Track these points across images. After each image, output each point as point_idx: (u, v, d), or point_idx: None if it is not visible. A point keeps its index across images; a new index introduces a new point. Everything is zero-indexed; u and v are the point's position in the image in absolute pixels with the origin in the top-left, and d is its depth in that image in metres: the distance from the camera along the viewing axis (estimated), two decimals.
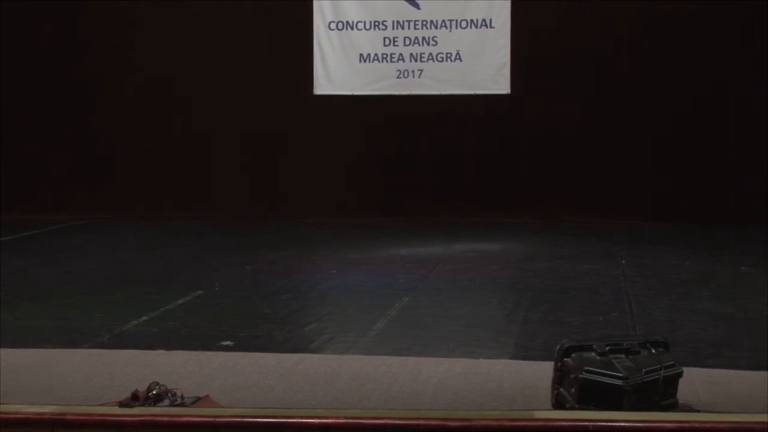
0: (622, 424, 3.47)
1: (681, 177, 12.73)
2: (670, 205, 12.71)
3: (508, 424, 3.55)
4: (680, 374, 4.83)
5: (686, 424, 3.48)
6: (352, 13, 13.50)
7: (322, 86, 13.58)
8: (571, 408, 4.58)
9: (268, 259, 10.09)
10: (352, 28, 13.50)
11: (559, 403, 4.74)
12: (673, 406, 4.74)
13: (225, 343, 6.47)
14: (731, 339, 6.63)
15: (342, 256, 10.49)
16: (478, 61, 13.24)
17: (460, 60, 13.27)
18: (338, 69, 13.56)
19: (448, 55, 13.30)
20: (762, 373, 5.75)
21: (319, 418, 3.69)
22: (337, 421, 3.64)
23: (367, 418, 3.72)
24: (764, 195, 12.20)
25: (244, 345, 6.41)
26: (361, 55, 13.48)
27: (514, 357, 6.21)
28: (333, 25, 13.52)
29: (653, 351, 4.87)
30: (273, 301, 8.02)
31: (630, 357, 4.78)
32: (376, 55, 13.44)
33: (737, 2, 12.36)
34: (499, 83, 13.15)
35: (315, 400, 5.16)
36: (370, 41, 13.46)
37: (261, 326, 7.07)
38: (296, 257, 10.41)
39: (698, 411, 4.75)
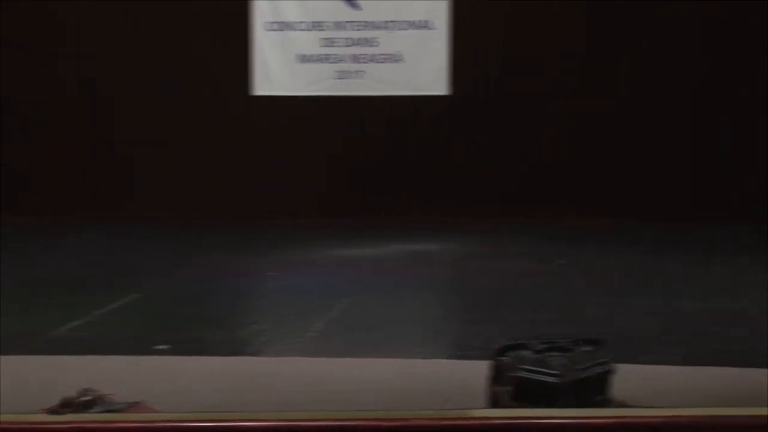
0: (556, 420, 3.49)
1: (618, 174, 12.88)
2: (607, 204, 12.83)
3: (443, 423, 3.54)
4: (614, 371, 4.88)
5: (619, 420, 3.51)
6: (291, 14, 13.44)
7: (262, 86, 13.49)
8: (507, 406, 4.61)
9: (206, 261, 9.98)
10: (291, 29, 13.44)
11: (495, 402, 4.76)
12: (607, 403, 4.79)
13: (160, 347, 6.37)
14: (665, 335, 6.74)
15: (281, 257, 10.42)
16: (419, 63, 13.29)
17: (401, 61, 13.30)
18: (278, 69, 13.49)
19: (389, 56, 13.32)
20: (695, 368, 5.86)
21: (257, 420, 3.64)
22: (274, 423, 3.60)
23: (304, 420, 3.68)
24: (694, 191, 12.49)
25: (180, 349, 6.32)
26: (300, 55, 13.43)
27: (452, 356, 6.24)
28: (272, 26, 13.45)
29: (587, 348, 4.93)
30: (210, 303, 7.94)
31: (565, 355, 4.82)
32: (315, 55, 13.40)
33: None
34: (439, 84, 13.21)
35: (253, 402, 5.11)
36: (310, 42, 13.41)
37: (198, 329, 6.98)
38: (235, 259, 10.31)
39: (632, 407, 4.81)
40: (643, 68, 12.82)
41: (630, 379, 5.29)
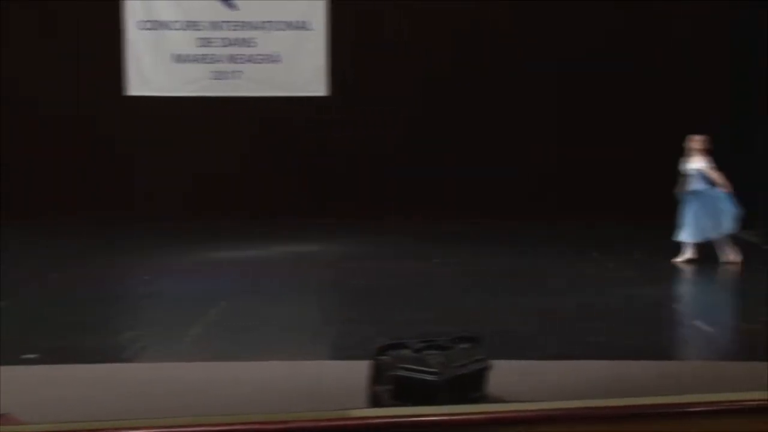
0: (434, 418, 3.52)
1: (488, 176, 13.12)
2: (483, 203, 13.06)
3: (323, 425, 3.52)
4: (489, 367, 4.98)
5: (495, 415, 3.57)
6: (165, 13, 13.17)
7: (136, 87, 13.16)
8: (387, 405, 4.64)
9: (80, 267, 9.66)
10: (165, 28, 13.16)
11: (375, 401, 4.79)
12: (484, 399, 4.88)
13: (28, 356, 6.12)
14: (540, 331, 6.92)
15: (157, 261, 10.20)
16: (296, 63, 13.23)
17: (278, 62, 13.21)
18: (152, 69, 13.20)
19: (266, 56, 13.21)
20: (567, 362, 6.04)
21: (131, 429, 3.54)
22: (149, 431, 3.50)
23: (181, 426, 3.60)
24: (560, 190, 12.90)
25: (50, 357, 6.09)
26: (175, 55, 13.17)
27: (333, 357, 6.23)
28: (145, 25, 13.13)
29: (464, 346, 5.01)
30: (83, 310, 7.68)
31: (443, 352, 4.89)
32: (191, 55, 13.17)
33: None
34: (317, 85, 13.19)
35: (127, 410, 4.97)
36: (185, 41, 13.17)
37: (69, 337, 6.75)
38: (110, 264, 10.03)
39: (508, 402, 4.91)
40: (494, 71, 13.07)
41: (506, 374, 5.42)
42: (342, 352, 6.32)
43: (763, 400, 3.75)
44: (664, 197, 10.09)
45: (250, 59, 13.21)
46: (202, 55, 13.18)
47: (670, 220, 9.81)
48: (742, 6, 12.16)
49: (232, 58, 13.20)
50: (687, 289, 9.23)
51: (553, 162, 13.04)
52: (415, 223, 12.65)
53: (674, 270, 9.38)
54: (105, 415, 4.84)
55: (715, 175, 9.53)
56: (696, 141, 9.67)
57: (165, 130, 13.23)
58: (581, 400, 3.79)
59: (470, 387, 4.82)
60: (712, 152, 9.74)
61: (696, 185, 9.62)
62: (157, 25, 13.13)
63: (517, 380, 5.42)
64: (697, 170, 9.62)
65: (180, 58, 13.18)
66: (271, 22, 13.20)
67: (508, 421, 3.51)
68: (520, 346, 6.38)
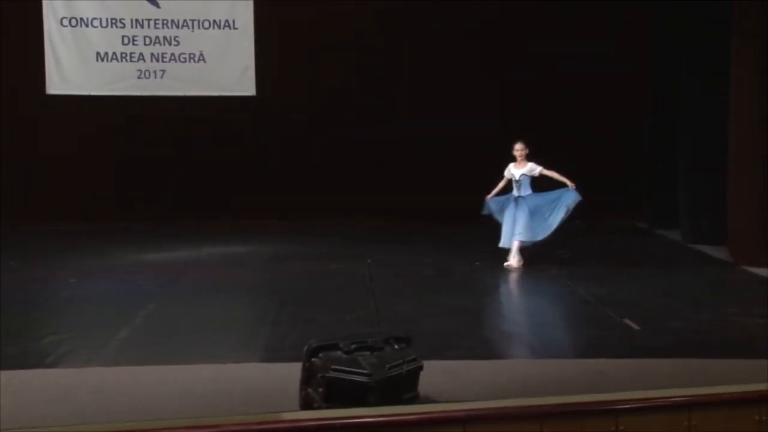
0: (366, 419, 3.56)
1: (428, 178, 13.19)
2: (415, 205, 13.11)
3: (255, 428, 3.53)
4: (421, 368, 5.02)
5: (426, 416, 3.63)
6: (87, 10, 12.91)
7: (56, 85, 12.89)
8: (319, 407, 4.64)
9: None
10: (87, 25, 12.91)
11: (307, 404, 4.78)
12: (416, 399, 4.92)
13: None
14: (468, 331, 7.00)
15: (82, 263, 10.01)
16: (223, 63, 13.11)
17: (204, 61, 13.08)
18: (73, 68, 12.93)
19: (191, 55, 13.07)
20: (497, 362, 6.13)
21: None
22: None
23: None
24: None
25: None
26: (98, 53, 12.94)
27: (264, 360, 6.20)
28: (66, 22, 12.86)
29: (396, 347, 5.04)
30: (3, 314, 7.49)
31: (374, 354, 4.91)
32: (114, 54, 12.95)
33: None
34: (245, 85, 13.09)
35: (51, 417, 4.88)
36: (108, 40, 12.94)
37: None
38: (32, 266, 9.80)
39: (438, 402, 4.96)
40: (415, 73, 13.21)
41: (438, 374, 5.47)
42: (273, 354, 6.29)
43: (687, 396, 3.87)
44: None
45: (175, 58, 13.05)
46: (125, 53, 12.97)
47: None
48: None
49: (156, 57, 13.03)
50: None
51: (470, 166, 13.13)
52: (345, 224, 12.66)
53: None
54: (26, 422, 4.74)
55: (553, 173, 9.38)
56: (518, 148, 9.52)
57: (86, 129, 13.01)
58: (511, 399, 3.87)
59: (403, 388, 4.85)
60: (534, 156, 9.60)
61: (521, 191, 9.50)
62: (79, 22, 12.87)
63: (446, 380, 5.48)
64: (524, 176, 9.49)
65: (102, 57, 12.95)
66: (196, 20, 13.06)
67: (441, 421, 3.57)
68: (449, 345, 6.44)
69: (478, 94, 13.18)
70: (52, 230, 12.30)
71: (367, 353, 4.89)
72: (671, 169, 11.88)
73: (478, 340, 6.68)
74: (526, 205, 9.46)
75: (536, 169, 9.51)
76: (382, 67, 13.26)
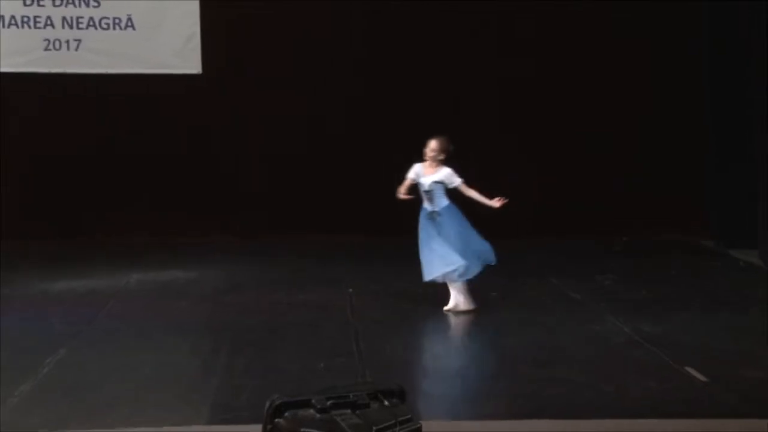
0: None
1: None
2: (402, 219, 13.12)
3: None
4: (419, 430, 5.03)
5: None
6: None
7: None
8: None
9: None
10: None
11: None
12: None
13: None
14: (480, 381, 7.03)
15: None
16: (158, 31, 13.11)
17: (133, 28, 13.08)
18: None
19: (116, 21, 13.07)
20: (520, 422, 6.16)
21: None
22: None
23: None
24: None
25: None
26: None
27: (212, 421, 6.22)
28: None
29: (386, 403, 5.05)
30: None
31: (358, 412, 4.91)
32: (13, 18, 12.94)
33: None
34: (187, 60, 13.09)
35: None
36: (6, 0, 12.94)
37: None
38: None
39: None
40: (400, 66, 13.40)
41: None
42: (224, 414, 6.31)
43: None
44: None
45: (94, 24, 13.04)
46: (28, 17, 12.93)
47: None
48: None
49: (69, 23, 13.00)
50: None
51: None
52: (318, 241, 12.69)
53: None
54: None
55: (473, 192, 9.01)
56: (432, 147, 9.09)
57: None
58: None
59: None
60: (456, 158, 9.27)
61: (435, 203, 9.11)
62: None
63: None
64: (435, 184, 9.08)
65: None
66: None
67: None
68: (453, 401, 6.47)
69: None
70: None
71: (348, 412, 4.90)
72: (746, 174, 11.99)
73: (492, 393, 6.71)
74: (452, 228, 9.05)
75: (455, 181, 9.04)
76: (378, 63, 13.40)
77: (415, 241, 9.21)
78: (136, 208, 13.19)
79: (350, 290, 10.04)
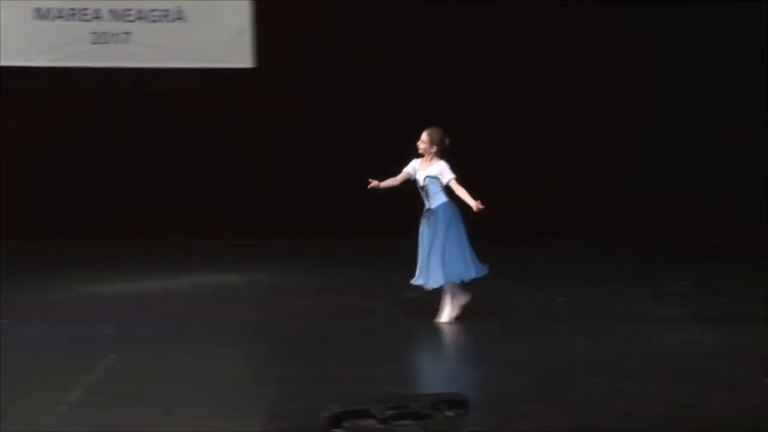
0: None
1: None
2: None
3: None
4: None
5: None
6: None
7: None
8: None
9: None
10: None
11: None
12: None
13: None
14: (549, 392, 6.98)
15: (16, 297, 10.11)
16: (209, 23, 13.19)
17: (183, 20, 13.17)
18: (2, 30, 13.04)
19: (166, 12, 13.17)
20: None
21: None
22: None
23: None
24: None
25: None
26: (37, 10, 13.08)
27: (267, 430, 6.23)
28: None
29: (449, 413, 5.05)
30: None
31: (420, 423, 4.92)
32: (60, 11, 13.08)
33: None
34: (238, 53, 13.15)
35: None
36: None
37: None
38: None
39: None
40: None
41: None
42: (278, 424, 6.32)
43: None
44: None
45: (143, 16, 13.15)
46: (75, 9, 13.07)
47: None
48: None
49: (118, 15, 13.12)
50: None
51: None
52: (373, 243, 12.69)
53: None
54: None
55: (461, 190, 8.79)
56: (423, 139, 8.95)
57: (18, 115, 13.17)
58: None
59: None
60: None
61: (431, 201, 8.93)
62: None
63: None
64: (430, 179, 8.90)
65: (44, 14, 13.09)
66: None
67: None
68: (520, 412, 6.44)
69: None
70: None
71: (410, 422, 4.91)
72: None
73: (559, 405, 6.66)
74: (437, 231, 8.84)
75: (447, 176, 8.86)
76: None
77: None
78: (181, 209, 13.26)
79: (410, 296, 10.02)
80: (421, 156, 9.04)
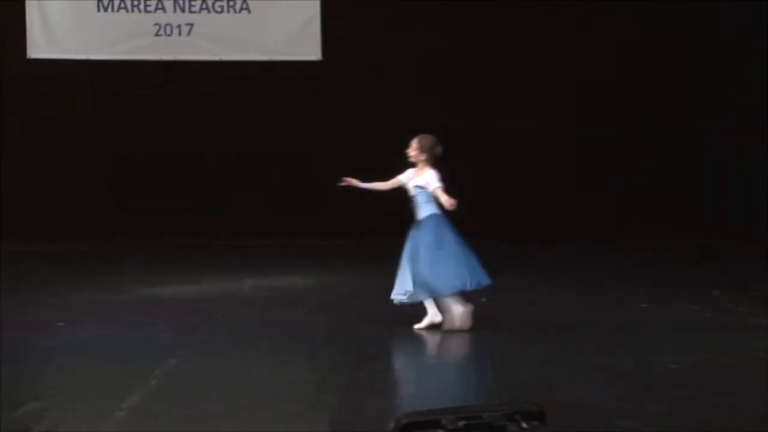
0: None
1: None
2: (539, 219, 13.11)
3: None
4: None
5: None
6: None
7: (41, 47, 13.22)
8: None
9: None
10: None
11: None
12: None
13: None
14: (631, 401, 6.92)
15: (71, 299, 10.23)
16: (275, 14, 13.24)
17: (248, 11, 13.24)
18: (64, 23, 13.22)
19: (231, 3, 13.24)
20: None
21: None
22: None
23: None
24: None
25: None
26: (100, 2, 13.21)
27: None
28: None
29: (524, 425, 5.00)
30: None
31: None
32: (122, 2, 13.20)
33: None
34: (305, 45, 13.19)
35: None
36: None
37: None
38: (3, 303, 10.04)
39: None
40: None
41: None
42: (344, 430, 6.33)
43: None
44: None
45: (207, 7, 13.23)
46: (138, 1, 13.18)
47: None
48: None
49: (181, 6, 13.22)
50: None
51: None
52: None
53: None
54: None
55: (444, 198, 8.68)
56: (413, 146, 8.89)
57: (75, 110, 13.31)
58: None
59: None
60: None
61: (420, 211, 8.88)
62: None
63: None
64: (419, 189, 8.85)
65: (106, 6, 13.21)
66: None
67: None
68: (603, 424, 6.40)
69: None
70: (28, 253, 12.58)
71: None
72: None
73: (641, 417, 6.60)
74: (418, 245, 8.82)
75: (432, 185, 8.78)
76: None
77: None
78: (244, 209, 13.33)
79: (484, 300, 9.98)
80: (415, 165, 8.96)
